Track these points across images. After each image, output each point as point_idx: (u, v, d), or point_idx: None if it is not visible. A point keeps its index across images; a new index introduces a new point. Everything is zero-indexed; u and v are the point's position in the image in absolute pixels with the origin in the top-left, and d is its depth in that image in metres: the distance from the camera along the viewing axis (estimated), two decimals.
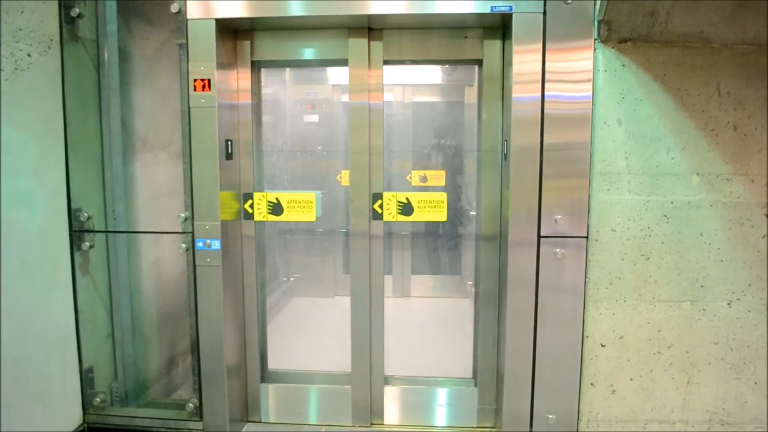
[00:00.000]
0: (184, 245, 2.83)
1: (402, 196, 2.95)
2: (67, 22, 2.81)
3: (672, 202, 2.64)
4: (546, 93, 2.60)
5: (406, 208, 2.94)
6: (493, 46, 2.88)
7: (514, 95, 2.62)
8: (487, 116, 2.94)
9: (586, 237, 2.65)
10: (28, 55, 2.63)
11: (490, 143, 2.94)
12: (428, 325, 4.69)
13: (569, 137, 2.61)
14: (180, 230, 2.85)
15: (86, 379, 2.98)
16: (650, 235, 2.65)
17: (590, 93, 2.58)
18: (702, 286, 2.67)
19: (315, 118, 5.20)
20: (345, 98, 5.05)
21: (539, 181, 2.64)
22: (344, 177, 3.24)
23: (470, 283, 5.17)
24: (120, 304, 3.08)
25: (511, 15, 2.60)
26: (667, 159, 2.62)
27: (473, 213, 4.54)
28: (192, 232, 2.82)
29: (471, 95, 4.87)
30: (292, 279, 5.49)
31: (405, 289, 5.43)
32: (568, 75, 2.59)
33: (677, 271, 2.66)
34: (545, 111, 2.61)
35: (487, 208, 2.99)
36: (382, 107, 2.97)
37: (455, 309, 5.11)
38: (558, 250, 2.65)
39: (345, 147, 3.37)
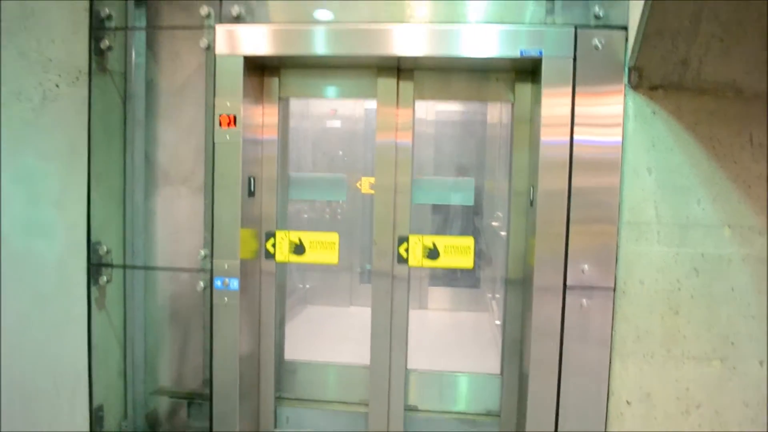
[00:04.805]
0: (202, 283, 2.79)
1: (428, 240, 2.89)
2: (97, 53, 2.82)
3: (702, 255, 2.56)
4: (575, 137, 2.56)
5: (432, 253, 2.89)
6: (525, 89, 2.86)
7: (542, 138, 2.58)
8: (517, 158, 2.90)
9: (614, 288, 2.58)
10: (57, 85, 2.64)
11: (521, 186, 2.90)
12: (449, 347, 4.53)
13: (598, 183, 2.55)
14: (198, 267, 2.82)
15: (95, 417, 2.90)
16: (680, 289, 2.57)
17: (620, 138, 2.54)
18: (733, 344, 2.57)
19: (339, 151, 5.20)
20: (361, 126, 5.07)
21: (566, 229, 2.58)
22: (364, 184, 3.20)
23: (490, 295, 5.06)
24: (134, 341, 3.03)
25: (540, 59, 2.57)
26: (698, 210, 2.55)
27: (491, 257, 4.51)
28: (211, 270, 2.77)
29: (494, 135, 4.86)
30: (307, 286, 5.38)
31: (422, 302, 5.30)
32: (597, 119, 2.55)
33: (707, 327, 2.58)
34: (574, 155, 2.56)
35: (515, 252, 2.93)
36: (411, 146, 2.93)
37: (476, 326, 4.95)
38: (584, 300, 2.58)
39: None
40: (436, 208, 5.02)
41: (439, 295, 5.42)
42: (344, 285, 5.36)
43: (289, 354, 3.27)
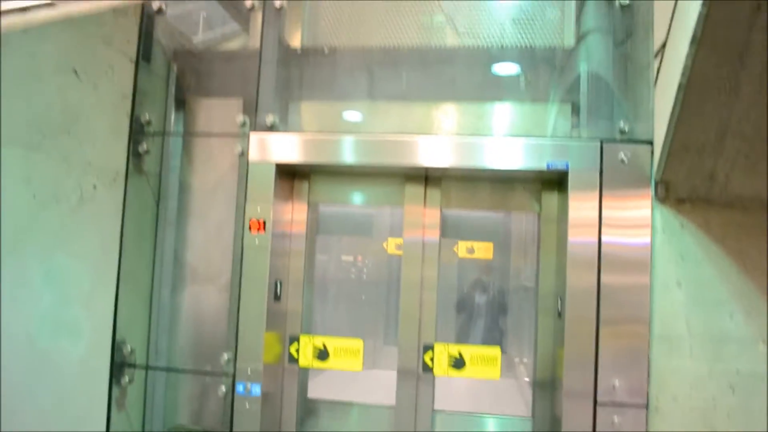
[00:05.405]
0: (223, 388, 2.76)
1: (454, 349, 2.85)
2: (134, 156, 2.93)
3: (737, 371, 2.48)
4: (603, 238, 2.55)
5: (458, 362, 2.84)
6: (551, 197, 2.88)
7: (569, 238, 2.58)
8: (544, 261, 2.89)
9: (646, 405, 2.49)
10: (94, 186, 2.71)
11: (547, 288, 2.87)
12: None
13: (627, 282, 2.53)
14: (221, 371, 2.80)
15: None
16: (715, 407, 2.48)
17: (648, 239, 2.52)
18: None
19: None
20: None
21: (596, 334, 2.52)
22: (390, 245, 3.19)
23: (517, 359, 4.89)
24: None
25: (567, 171, 2.61)
26: (730, 324, 2.50)
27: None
28: (234, 374, 2.75)
29: (518, 236, 4.85)
30: None
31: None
32: (625, 221, 2.55)
33: None
34: (602, 255, 2.55)
35: (543, 354, 2.88)
36: (438, 243, 2.95)
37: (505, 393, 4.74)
38: (615, 417, 2.49)
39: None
40: (461, 306, 4.96)
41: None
42: (368, 347, 5.26)
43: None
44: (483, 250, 3.38)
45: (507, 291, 4.82)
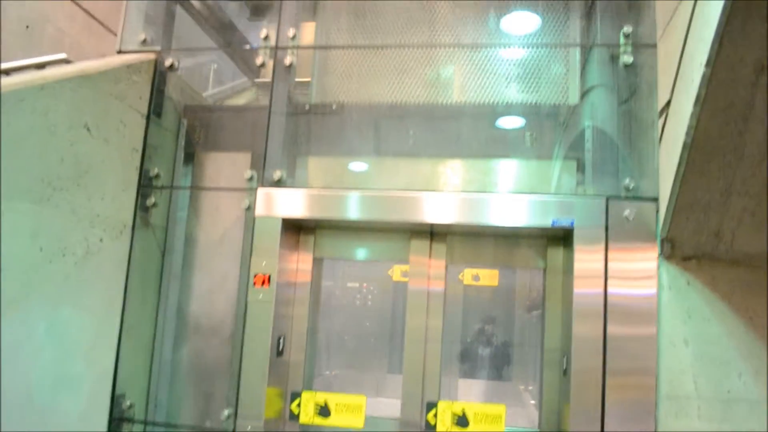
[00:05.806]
0: None
1: (458, 407, 2.80)
2: (142, 209, 2.95)
3: None
4: (609, 289, 2.54)
5: (462, 420, 2.79)
6: (557, 252, 2.88)
7: (575, 290, 2.56)
8: (549, 316, 2.87)
9: None
10: (101, 239, 2.73)
11: (553, 343, 2.84)
12: None
13: (634, 333, 2.49)
14: (221, 428, 2.76)
15: None
16: None
17: (655, 290, 2.50)
18: None
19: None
20: None
21: (602, 396, 2.47)
22: (395, 272, 3.17)
23: (522, 387, 4.79)
24: None
25: (572, 228, 2.61)
26: (739, 384, 2.45)
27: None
28: (233, 431, 2.71)
29: (522, 286, 4.83)
30: (333, 373, 5.18)
31: (452, 394, 5.05)
32: (631, 273, 2.54)
33: None
34: (608, 305, 2.52)
35: (548, 406, 2.83)
36: (443, 293, 2.94)
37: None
38: None
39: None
40: (465, 354, 4.92)
41: (470, 388, 5.22)
42: (372, 374, 5.21)
43: None
44: (488, 278, 3.38)
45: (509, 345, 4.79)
